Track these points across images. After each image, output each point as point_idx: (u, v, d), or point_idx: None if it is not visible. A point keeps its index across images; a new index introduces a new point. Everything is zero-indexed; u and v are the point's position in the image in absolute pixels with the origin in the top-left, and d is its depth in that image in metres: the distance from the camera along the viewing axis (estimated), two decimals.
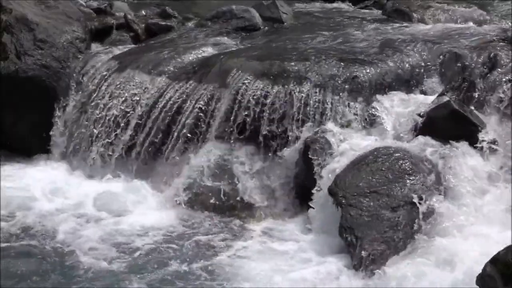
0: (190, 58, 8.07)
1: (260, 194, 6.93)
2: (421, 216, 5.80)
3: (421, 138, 6.52)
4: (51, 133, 8.00)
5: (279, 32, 8.94)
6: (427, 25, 8.97)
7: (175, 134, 7.34)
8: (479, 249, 5.31)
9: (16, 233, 6.42)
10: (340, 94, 7.11)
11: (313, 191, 6.54)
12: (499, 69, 7.06)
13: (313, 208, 6.49)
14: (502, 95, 6.79)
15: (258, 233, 6.55)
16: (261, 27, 9.06)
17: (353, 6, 10.78)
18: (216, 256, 6.11)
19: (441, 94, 6.88)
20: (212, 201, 6.93)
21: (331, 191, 6.19)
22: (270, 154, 7.08)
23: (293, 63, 7.44)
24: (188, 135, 7.29)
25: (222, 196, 6.93)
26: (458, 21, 9.23)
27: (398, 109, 6.99)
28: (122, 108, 7.72)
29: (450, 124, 6.52)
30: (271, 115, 7.11)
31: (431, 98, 6.97)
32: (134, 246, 6.28)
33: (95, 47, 8.82)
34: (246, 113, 7.16)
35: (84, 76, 8.17)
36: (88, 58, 8.39)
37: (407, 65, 7.47)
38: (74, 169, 7.73)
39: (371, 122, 6.97)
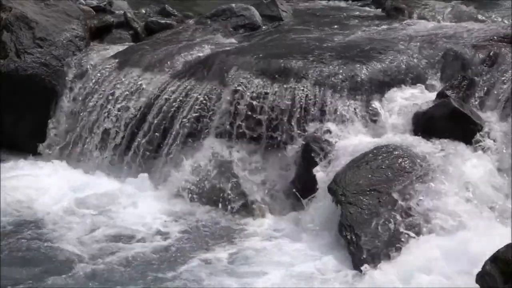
0: (190, 56, 8.07)
1: (259, 191, 6.93)
2: (421, 214, 5.80)
3: (421, 136, 6.53)
4: (51, 131, 8.00)
5: (279, 30, 8.95)
6: (426, 23, 8.97)
7: (175, 131, 7.34)
8: (479, 246, 5.30)
9: (13, 233, 6.43)
10: (340, 92, 7.11)
11: (313, 189, 6.54)
12: (499, 67, 7.07)
13: (313, 206, 6.50)
14: (502, 93, 6.80)
15: (257, 231, 6.55)
16: (261, 25, 9.06)
17: (353, 4, 10.78)
18: (215, 253, 6.11)
19: (441, 92, 6.88)
20: (211, 198, 6.93)
21: (331, 189, 6.19)
22: (269, 152, 7.08)
23: (292, 61, 7.43)
24: (188, 132, 7.29)
25: (221, 193, 6.93)
26: (458, 20, 9.23)
27: (398, 107, 6.99)
28: (122, 105, 7.72)
29: (450, 123, 6.51)
30: (270, 113, 7.11)
31: (431, 96, 6.97)
32: (133, 243, 6.29)
33: (94, 45, 8.81)
34: (245, 111, 7.15)
35: (83, 74, 8.17)
36: (88, 56, 8.39)
37: (406, 63, 7.46)
38: (74, 166, 7.73)
39: (371, 120, 6.96)
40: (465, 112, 6.53)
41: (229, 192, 6.92)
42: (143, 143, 7.46)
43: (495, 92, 6.83)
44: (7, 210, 6.75)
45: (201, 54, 8.10)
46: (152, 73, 7.86)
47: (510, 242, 4.53)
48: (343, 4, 10.90)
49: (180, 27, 9.25)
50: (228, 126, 7.19)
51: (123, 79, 7.89)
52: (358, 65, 7.36)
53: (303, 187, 6.79)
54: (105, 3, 9.83)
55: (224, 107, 7.25)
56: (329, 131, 6.82)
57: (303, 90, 7.13)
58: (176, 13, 9.65)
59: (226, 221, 6.74)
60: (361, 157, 6.36)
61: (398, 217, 5.82)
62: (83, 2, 9.74)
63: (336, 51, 7.75)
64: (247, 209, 6.85)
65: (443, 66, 7.45)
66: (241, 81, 7.31)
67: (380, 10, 9.98)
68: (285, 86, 7.18)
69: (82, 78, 8.16)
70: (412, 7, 9.55)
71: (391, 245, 5.65)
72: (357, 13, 9.95)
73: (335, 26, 9.00)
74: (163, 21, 9.34)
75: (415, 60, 7.52)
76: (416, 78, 7.35)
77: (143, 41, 8.98)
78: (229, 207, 6.88)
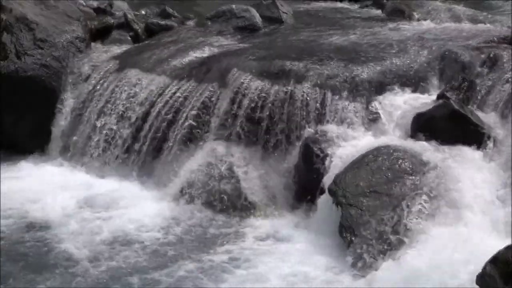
0: (190, 57, 8.08)
1: (260, 193, 6.93)
2: (421, 215, 5.79)
3: (421, 138, 6.53)
4: (51, 132, 8.00)
5: (279, 32, 8.95)
6: (426, 24, 8.97)
7: (175, 133, 7.34)
8: (477, 247, 5.30)
9: (13, 234, 6.44)
10: (340, 93, 7.11)
11: (313, 190, 6.54)
12: (499, 69, 7.07)
13: (313, 207, 6.50)
14: (502, 95, 6.80)
15: (258, 232, 6.55)
16: (261, 27, 9.06)
17: (353, 6, 10.78)
18: (215, 254, 6.12)
19: (441, 94, 6.89)
20: (212, 200, 6.93)
21: (331, 191, 6.19)
22: (269, 153, 7.08)
23: (293, 63, 7.44)
24: (188, 134, 7.29)
25: (222, 195, 6.93)
26: (458, 21, 9.23)
27: (398, 109, 7.00)
28: (122, 107, 7.72)
29: (450, 124, 6.52)
30: (270, 114, 7.11)
31: (431, 98, 6.97)
32: (132, 244, 6.29)
33: (95, 46, 8.82)
34: (246, 112, 7.16)
35: (84, 75, 8.17)
36: (88, 57, 8.39)
37: (407, 65, 7.48)
38: (74, 167, 7.73)
39: (371, 122, 6.97)
40: (465, 113, 6.52)
41: (229, 193, 6.92)
42: (144, 145, 7.47)
43: (495, 94, 6.83)
44: (7, 211, 6.74)
45: (201, 56, 8.12)
46: (152, 75, 7.86)
47: (510, 243, 4.52)
48: (343, 5, 10.90)
49: (180, 28, 9.26)
50: (228, 128, 7.19)
51: (123, 81, 7.90)
52: (358, 67, 7.37)
53: (303, 188, 6.79)
54: (105, 4, 9.84)
55: (224, 109, 7.26)
56: (329, 133, 6.82)
57: (303, 91, 7.13)
58: (176, 15, 9.65)
59: (226, 222, 6.73)
60: (361, 158, 6.36)
61: (398, 218, 5.81)
62: (83, 3, 9.74)
63: (336, 52, 7.76)
64: (247, 210, 6.84)
65: (443, 67, 7.46)
66: (241, 82, 7.32)
67: (380, 11, 9.99)
68: (285, 87, 7.18)
69: (83, 79, 8.15)
70: (412, 8, 9.57)
71: (391, 246, 5.65)
72: (358, 14, 9.96)
73: (336, 28, 9.01)
74: (163, 23, 9.35)
75: (415, 62, 7.52)
76: (416, 80, 7.36)
77: (144, 42, 8.99)
78: (229, 208, 6.87)
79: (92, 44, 8.83)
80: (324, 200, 6.35)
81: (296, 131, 7.02)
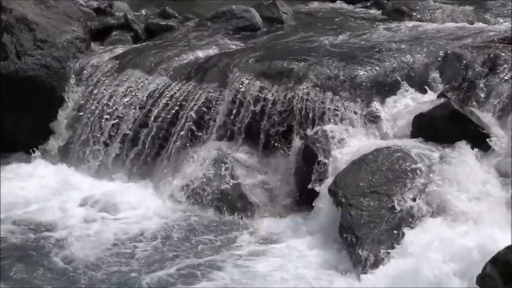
0: (190, 58, 8.08)
1: (260, 193, 6.93)
2: (421, 216, 5.79)
3: (421, 138, 6.53)
4: (51, 132, 8.00)
5: (279, 32, 8.95)
6: (427, 24, 8.97)
7: (176, 133, 7.34)
8: (477, 247, 5.30)
9: (13, 235, 6.43)
10: (340, 93, 7.12)
11: (313, 190, 6.54)
12: (499, 69, 7.06)
13: (313, 207, 6.50)
14: (502, 95, 6.80)
15: (258, 232, 6.54)
16: (261, 27, 9.06)
17: (353, 6, 10.78)
18: (215, 255, 6.11)
19: (441, 94, 6.89)
20: (212, 200, 6.93)
21: (331, 191, 6.19)
22: (270, 154, 7.09)
23: (293, 63, 7.44)
24: (189, 134, 7.30)
25: (221, 195, 6.93)
26: (458, 21, 9.23)
27: (398, 109, 7.01)
28: (122, 107, 7.72)
29: (450, 124, 6.51)
30: (271, 114, 7.12)
31: (431, 98, 6.97)
32: (133, 245, 6.29)
33: (95, 47, 8.82)
34: (246, 112, 7.16)
35: (84, 76, 8.17)
36: (88, 58, 8.40)
37: (407, 65, 7.47)
38: (74, 168, 7.72)
39: (371, 122, 6.97)
40: (465, 113, 6.52)
41: (229, 194, 6.92)
42: (144, 146, 7.46)
43: (495, 94, 6.83)
44: (7, 212, 6.73)
45: (201, 56, 8.12)
46: (152, 75, 7.86)
47: (510, 244, 4.52)
48: (343, 6, 10.90)
49: (181, 29, 9.26)
50: (228, 128, 7.19)
51: (124, 81, 7.89)
52: (358, 67, 7.37)
53: (303, 188, 6.79)
54: (105, 4, 9.84)
55: (225, 109, 7.26)
56: (329, 133, 6.82)
57: (303, 91, 7.13)
58: (176, 15, 9.65)
59: (225, 222, 6.73)
60: (362, 158, 6.36)
61: (398, 219, 5.82)
62: (84, 3, 9.74)
63: (337, 53, 7.75)
64: (247, 210, 6.84)
65: (443, 68, 7.46)
66: (241, 83, 7.32)
67: (380, 12, 10.00)
68: (285, 88, 7.19)
69: (83, 79, 8.15)
70: (412, 9, 9.57)
71: (391, 247, 5.64)
72: (358, 15, 9.96)
73: (336, 28, 9.01)
74: (163, 23, 9.35)
75: (415, 62, 7.52)
76: (416, 80, 7.36)
77: (144, 43, 9.00)
78: (229, 209, 6.87)
79: (92, 44, 8.82)
80: (324, 200, 6.35)
81: (296, 131, 7.02)
